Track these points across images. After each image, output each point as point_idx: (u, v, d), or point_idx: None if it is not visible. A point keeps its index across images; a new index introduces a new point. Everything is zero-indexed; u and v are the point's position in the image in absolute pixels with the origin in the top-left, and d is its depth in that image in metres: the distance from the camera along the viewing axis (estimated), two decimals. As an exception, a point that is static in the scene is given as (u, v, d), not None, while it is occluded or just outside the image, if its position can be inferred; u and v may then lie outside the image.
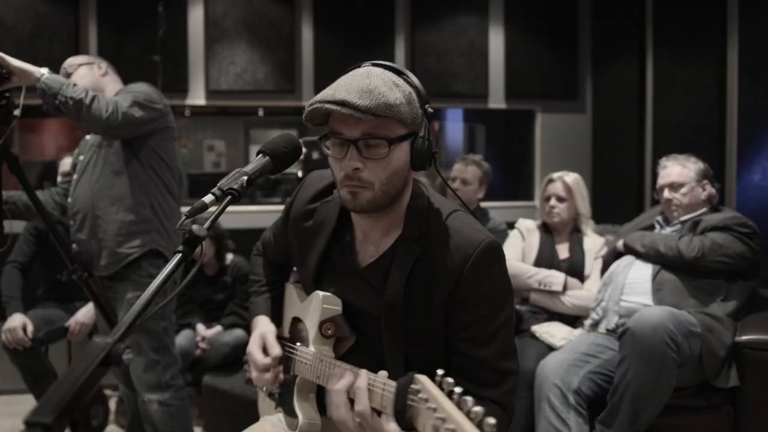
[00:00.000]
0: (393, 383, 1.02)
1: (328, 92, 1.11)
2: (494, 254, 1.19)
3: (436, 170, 1.25)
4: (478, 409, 0.82)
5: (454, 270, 1.16)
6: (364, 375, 1.08)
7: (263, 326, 1.42)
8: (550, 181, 2.92)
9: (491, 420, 0.80)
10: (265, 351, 1.37)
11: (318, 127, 1.19)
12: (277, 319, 1.48)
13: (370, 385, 1.07)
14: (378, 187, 1.15)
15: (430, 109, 1.18)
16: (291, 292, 1.49)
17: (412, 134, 1.16)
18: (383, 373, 1.07)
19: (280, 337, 1.42)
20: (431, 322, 1.19)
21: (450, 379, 0.90)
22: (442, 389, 0.90)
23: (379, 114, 1.08)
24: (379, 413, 1.05)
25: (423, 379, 0.93)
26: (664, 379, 2.14)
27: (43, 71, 2.04)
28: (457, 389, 0.88)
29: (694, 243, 2.39)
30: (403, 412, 0.97)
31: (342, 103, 1.07)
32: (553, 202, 2.86)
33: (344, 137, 1.13)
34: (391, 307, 1.19)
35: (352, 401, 1.08)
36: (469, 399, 0.85)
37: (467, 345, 1.18)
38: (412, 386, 0.95)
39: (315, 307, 1.29)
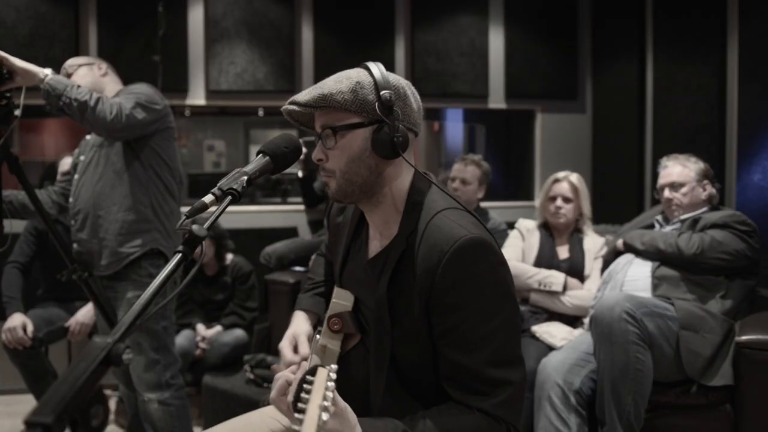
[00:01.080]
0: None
1: None
2: (476, 252, 1.11)
3: (404, 159, 1.21)
4: (325, 416, 0.87)
5: (431, 269, 1.12)
6: (303, 366, 1.15)
7: (298, 325, 1.47)
8: (556, 180, 2.89)
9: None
10: (296, 349, 1.42)
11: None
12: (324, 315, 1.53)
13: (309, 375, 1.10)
14: (339, 174, 1.21)
15: (386, 95, 1.16)
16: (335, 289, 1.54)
17: (371, 123, 1.18)
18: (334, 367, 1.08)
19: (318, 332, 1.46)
20: (414, 323, 1.16)
21: (333, 375, 0.94)
22: (327, 384, 0.92)
23: (314, 105, 1.18)
24: None
25: (320, 372, 0.95)
26: (633, 356, 2.14)
27: (47, 72, 2.04)
28: (331, 384, 0.92)
29: (694, 240, 2.39)
30: (298, 399, 0.97)
31: (291, 102, 1.23)
32: (559, 202, 2.84)
33: (316, 134, 1.24)
34: (378, 304, 1.20)
35: None
36: (330, 396, 0.90)
37: (452, 351, 1.13)
38: (308, 377, 0.96)
39: (330, 302, 1.34)
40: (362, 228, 1.34)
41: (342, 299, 1.31)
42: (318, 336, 1.36)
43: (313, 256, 1.67)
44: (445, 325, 1.14)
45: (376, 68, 1.20)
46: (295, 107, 1.21)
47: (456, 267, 1.11)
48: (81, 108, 2.06)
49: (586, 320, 2.62)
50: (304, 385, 0.95)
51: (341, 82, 1.18)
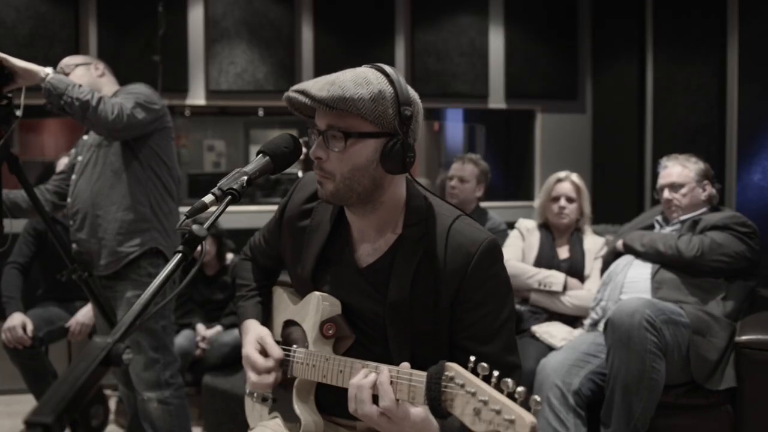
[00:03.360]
0: (421, 373, 1.04)
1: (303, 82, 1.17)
2: (495, 253, 1.22)
3: (411, 177, 1.25)
4: (521, 389, 0.88)
5: (458, 270, 1.19)
6: (385, 370, 1.10)
7: (257, 329, 1.38)
8: (559, 180, 2.88)
9: (536, 397, 0.87)
10: (264, 354, 1.33)
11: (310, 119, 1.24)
12: (266, 323, 1.45)
13: (393, 377, 1.09)
14: (339, 179, 1.18)
15: (407, 112, 1.14)
16: (280, 295, 1.47)
17: (383, 134, 1.15)
18: (405, 365, 1.09)
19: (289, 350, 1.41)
20: (437, 321, 1.21)
21: (484, 364, 0.94)
22: (476, 374, 0.94)
23: (332, 105, 1.11)
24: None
25: (455, 366, 0.97)
26: (648, 365, 2.13)
27: (48, 71, 2.04)
28: (495, 372, 0.93)
29: (694, 242, 2.38)
30: (438, 399, 0.98)
31: (302, 92, 1.14)
32: (563, 202, 2.83)
33: (316, 128, 1.18)
34: (396, 308, 1.20)
35: (375, 396, 1.10)
36: (510, 381, 0.90)
37: (472, 342, 1.20)
38: (446, 374, 0.98)
39: (314, 308, 1.28)
40: (339, 232, 1.31)
41: (327, 304, 1.26)
42: (294, 354, 1.31)
43: (236, 260, 1.61)
44: (468, 320, 1.20)
45: (397, 77, 1.16)
46: (304, 99, 1.14)
47: (483, 267, 1.19)
48: (83, 107, 2.06)
49: (587, 321, 2.62)
50: (443, 383, 0.97)
51: (361, 86, 1.12)
